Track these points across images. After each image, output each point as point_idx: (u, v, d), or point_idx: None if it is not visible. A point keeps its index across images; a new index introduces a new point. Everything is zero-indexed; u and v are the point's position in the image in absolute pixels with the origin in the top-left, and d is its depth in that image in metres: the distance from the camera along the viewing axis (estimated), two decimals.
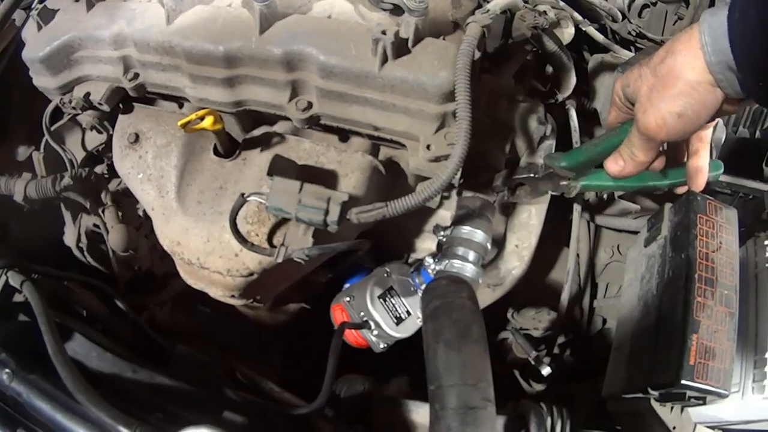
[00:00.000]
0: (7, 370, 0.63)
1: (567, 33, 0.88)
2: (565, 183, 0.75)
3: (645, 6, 1.25)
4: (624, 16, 1.05)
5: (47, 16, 0.84)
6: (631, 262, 0.85)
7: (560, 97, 0.88)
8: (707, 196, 0.75)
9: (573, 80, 0.86)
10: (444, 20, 0.69)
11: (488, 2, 0.72)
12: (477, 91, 0.75)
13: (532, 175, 0.76)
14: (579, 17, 0.95)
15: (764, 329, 0.74)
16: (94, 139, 0.92)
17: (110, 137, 0.89)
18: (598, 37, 0.98)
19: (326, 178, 0.72)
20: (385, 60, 0.65)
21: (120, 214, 0.90)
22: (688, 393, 0.68)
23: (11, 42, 0.96)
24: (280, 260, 0.72)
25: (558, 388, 0.85)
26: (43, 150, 0.90)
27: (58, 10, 0.84)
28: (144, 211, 0.92)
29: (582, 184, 0.76)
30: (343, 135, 0.76)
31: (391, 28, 0.65)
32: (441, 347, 0.58)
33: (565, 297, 0.84)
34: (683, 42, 0.53)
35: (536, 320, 0.89)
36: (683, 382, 0.65)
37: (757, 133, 1.00)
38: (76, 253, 0.95)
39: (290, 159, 0.74)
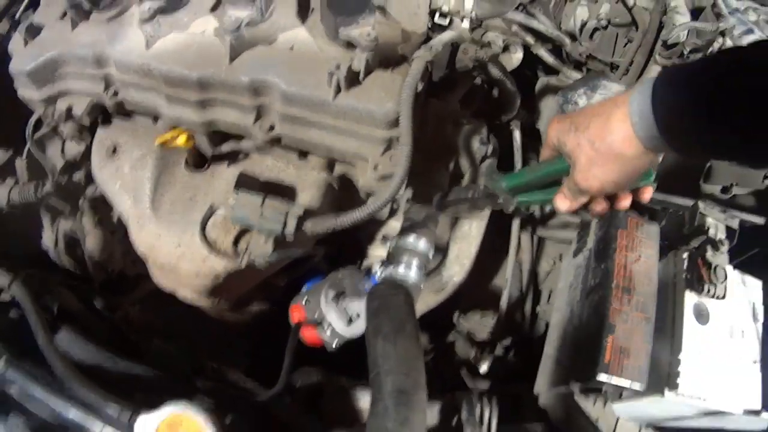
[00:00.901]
0: (1, 360, 0.72)
1: (515, 58, 0.99)
2: (501, 201, 0.86)
3: (596, 29, 1.36)
4: (575, 39, 1.16)
5: (33, 31, 0.92)
6: (563, 271, 0.96)
7: (505, 118, 0.99)
8: (630, 213, 0.86)
9: (517, 103, 0.97)
10: (393, 53, 0.79)
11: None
12: (423, 115, 0.86)
13: (470, 195, 0.86)
14: (531, 40, 1.06)
15: (679, 332, 0.84)
16: (73, 149, 1.00)
17: (89, 147, 0.98)
18: (548, 59, 1.09)
19: (286, 193, 0.82)
20: (338, 90, 0.75)
21: (96, 219, 0.98)
22: (604, 387, 0.78)
23: None
24: (243, 265, 0.82)
25: (503, 387, 0.96)
26: (25, 157, 0.98)
27: (43, 26, 0.93)
28: (118, 217, 1.01)
29: (518, 200, 0.87)
30: (302, 153, 0.86)
31: (345, 61, 0.75)
32: (379, 341, 0.68)
33: (504, 302, 0.94)
34: (617, 121, 0.62)
35: (481, 324, 1.00)
36: (599, 377, 0.76)
37: None
38: (53, 255, 1.04)
39: (254, 175, 0.84)
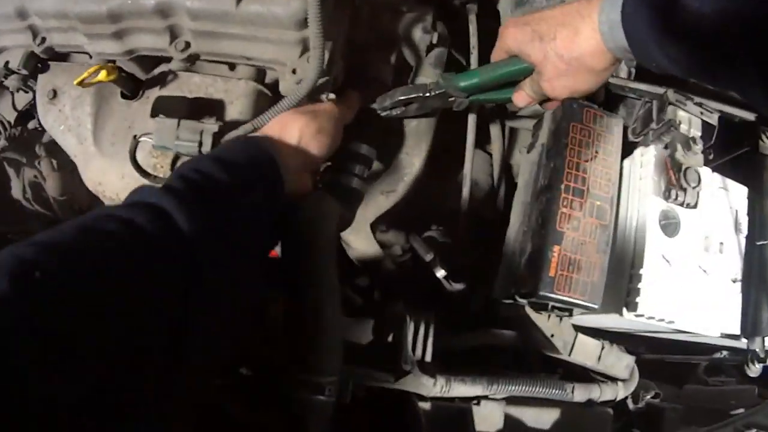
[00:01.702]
0: None
1: None
2: (452, 99, 0.80)
3: None
4: None
5: None
6: (521, 168, 0.88)
7: (458, 1, 0.91)
8: (587, 104, 0.77)
9: None
10: None
11: None
12: (353, 8, 0.80)
13: (420, 94, 0.80)
14: None
15: (641, 244, 0.75)
16: (23, 99, 1.02)
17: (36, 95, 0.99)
18: None
19: (214, 107, 0.80)
20: None
21: (54, 162, 1.00)
22: (551, 304, 0.73)
23: None
24: None
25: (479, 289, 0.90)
26: None
27: None
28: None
29: (470, 99, 0.80)
30: (231, 64, 0.83)
31: None
32: (292, 255, 0.66)
33: (465, 196, 0.88)
34: (586, 33, 0.63)
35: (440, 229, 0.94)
36: (541, 293, 0.69)
37: None
38: (24, 203, 1.07)
39: (176, 96, 0.81)
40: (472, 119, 0.90)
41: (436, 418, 0.65)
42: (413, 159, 0.90)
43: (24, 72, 0.93)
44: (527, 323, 0.79)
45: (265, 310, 0.74)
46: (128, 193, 0.83)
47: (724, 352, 1.00)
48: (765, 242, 0.80)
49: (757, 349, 0.77)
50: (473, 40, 0.94)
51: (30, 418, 0.33)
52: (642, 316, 0.72)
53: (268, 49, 0.75)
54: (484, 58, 0.86)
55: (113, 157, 0.88)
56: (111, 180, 0.89)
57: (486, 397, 0.72)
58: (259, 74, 0.85)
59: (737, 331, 0.79)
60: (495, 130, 0.98)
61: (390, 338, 0.74)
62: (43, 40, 0.89)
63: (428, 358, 0.71)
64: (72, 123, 0.93)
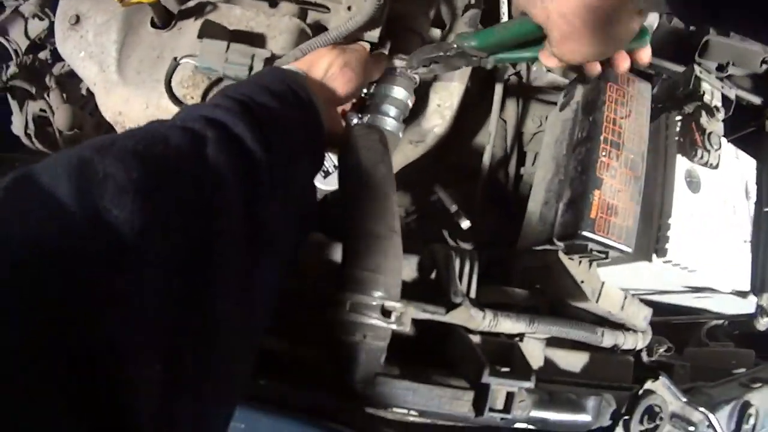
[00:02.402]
0: None
1: None
2: (476, 59, 0.82)
3: None
4: None
5: None
6: (549, 126, 0.92)
7: None
8: None
9: None
10: None
11: None
12: None
13: (442, 53, 0.81)
14: None
15: (669, 197, 0.82)
16: (36, 27, 0.98)
17: (52, 23, 0.95)
18: None
19: (255, 40, 0.79)
20: None
21: (64, 95, 0.96)
22: (590, 245, 0.76)
23: None
24: None
25: (487, 250, 0.92)
26: None
27: None
28: (87, 89, 0.98)
29: (496, 58, 0.83)
30: (272, 1, 0.83)
31: None
32: (349, 183, 0.66)
33: (486, 160, 0.91)
34: None
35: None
36: (583, 233, 0.72)
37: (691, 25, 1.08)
38: (24, 140, 1.01)
39: (221, 24, 0.80)
40: (499, 88, 0.93)
41: (487, 350, 0.66)
42: (444, 112, 0.92)
43: None
44: (557, 270, 0.81)
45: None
46: None
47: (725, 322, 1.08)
48: None
49: (765, 304, 0.83)
50: (504, 7, 0.97)
51: (110, 313, 0.31)
52: (670, 262, 0.77)
53: None
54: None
55: (138, 86, 0.86)
56: (134, 109, 0.86)
57: (526, 335, 0.74)
58: (302, 13, 0.85)
59: (747, 288, 0.85)
60: (511, 100, 1.03)
61: (433, 275, 0.74)
62: None
63: (473, 294, 0.72)
64: (94, 50, 0.89)
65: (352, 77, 0.72)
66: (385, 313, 0.59)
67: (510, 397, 0.62)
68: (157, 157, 0.41)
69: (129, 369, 0.31)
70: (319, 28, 0.83)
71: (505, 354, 0.70)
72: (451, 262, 0.71)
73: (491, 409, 0.63)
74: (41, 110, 0.99)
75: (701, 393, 0.88)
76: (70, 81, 0.98)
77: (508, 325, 0.71)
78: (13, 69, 0.94)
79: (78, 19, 0.91)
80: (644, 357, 0.91)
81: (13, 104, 1.01)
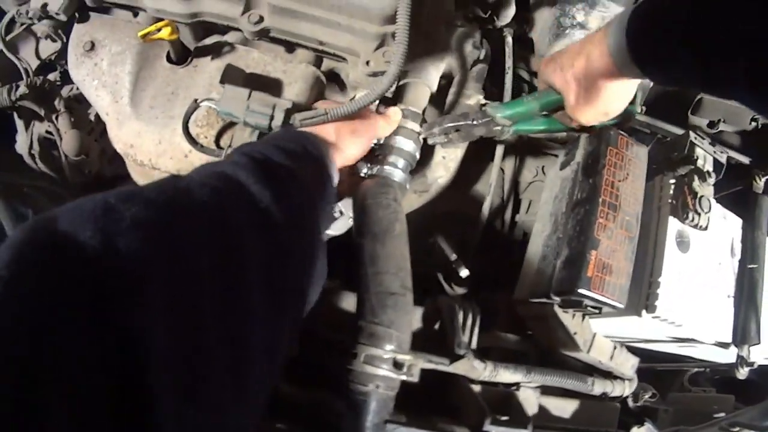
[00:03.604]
0: None
1: None
2: (498, 128, 0.88)
3: None
4: None
5: None
6: (549, 183, 0.99)
7: (498, 24, 1.00)
8: (621, 132, 0.89)
9: (511, 10, 0.98)
10: None
11: None
12: (417, 14, 0.87)
13: (468, 122, 0.87)
14: None
15: (660, 257, 0.88)
16: (48, 48, 0.99)
17: (65, 45, 0.96)
18: None
19: (272, 86, 0.83)
20: None
21: (72, 119, 0.98)
22: (585, 302, 0.82)
23: None
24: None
25: (481, 294, 0.99)
26: None
27: None
28: (95, 115, 1.00)
29: (514, 129, 0.89)
30: (290, 47, 0.87)
31: None
32: (367, 240, 0.71)
33: (486, 208, 0.97)
34: (598, 56, 0.69)
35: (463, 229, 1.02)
36: (580, 290, 0.78)
37: None
38: (28, 160, 1.03)
39: (240, 68, 0.84)
40: (500, 148, 1.00)
41: (487, 399, 0.71)
42: (449, 164, 0.97)
43: (62, 18, 0.90)
44: (552, 321, 0.87)
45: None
46: (163, 158, 0.86)
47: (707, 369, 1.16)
48: (755, 266, 0.94)
49: (745, 355, 0.91)
50: (509, 62, 1.03)
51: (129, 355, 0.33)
52: (658, 317, 0.83)
53: (346, 38, 0.81)
54: (515, 79, 0.96)
55: (151, 121, 0.89)
56: (146, 143, 0.88)
57: (522, 384, 0.80)
58: (317, 60, 0.89)
59: (729, 340, 0.93)
60: (509, 151, 1.09)
61: (437, 326, 0.79)
62: None
63: (474, 345, 0.78)
64: (108, 79, 0.92)
65: (359, 144, 0.77)
66: (397, 365, 0.64)
67: None
68: (182, 208, 0.45)
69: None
70: (332, 76, 0.88)
71: (503, 402, 0.76)
72: (455, 315, 0.77)
73: None
74: (47, 132, 1.01)
75: None
76: (78, 105, 0.99)
77: (507, 375, 0.77)
78: (22, 89, 0.95)
79: (93, 46, 0.93)
80: (630, 403, 0.97)
81: (19, 124, 1.03)
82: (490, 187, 1.01)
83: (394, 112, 0.85)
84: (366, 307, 0.67)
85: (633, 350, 1.02)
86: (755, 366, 0.94)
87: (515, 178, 1.14)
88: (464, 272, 0.95)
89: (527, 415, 0.73)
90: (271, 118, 0.77)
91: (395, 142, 0.85)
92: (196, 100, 0.81)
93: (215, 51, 0.89)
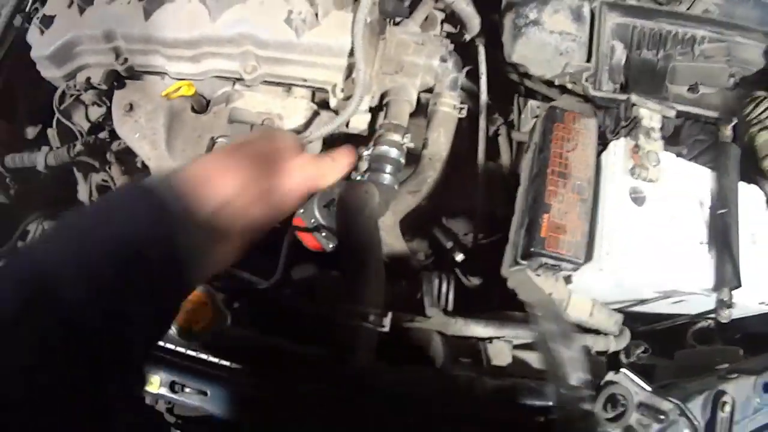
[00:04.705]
0: None
1: None
2: None
3: None
4: None
5: (46, 22, 1.33)
6: (522, 167, 1.28)
7: (468, 36, 1.32)
8: (568, 109, 1.17)
9: (476, 21, 1.30)
10: None
11: None
12: (380, 42, 1.21)
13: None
14: None
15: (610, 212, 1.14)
16: (95, 112, 1.43)
17: (109, 109, 1.38)
18: None
19: (275, 120, 1.20)
20: (302, 32, 1.12)
21: (122, 168, 1.40)
22: (544, 260, 1.09)
23: (12, 42, 1.48)
24: None
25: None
26: (55, 126, 1.42)
27: (55, 16, 1.33)
28: (142, 163, 1.41)
29: None
30: (287, 87, 1.24)
31: (304, 7, 1.11)
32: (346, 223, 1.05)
33: (479, 200, 1.28)
34: None
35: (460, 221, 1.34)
36: (534, 249, 1.06)
37: (660, 54, 1.41)
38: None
39: (246, 109, 1.22)
40: (482, 142, 1.31)
41: (457, 350, 1.03)
42: (435, 164, 1.29)
43: (103, 87, 1.32)
44: (527, 285, 1.16)
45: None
46: None
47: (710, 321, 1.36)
48: (724, 210, 1.14)
49: (725, 298, 1.09)
50: (482, 68, 1.35)
51: None
52: (614, 267, 1.09)
53: (322, 72, 1.18)
54: (491, 83, 1.28)
55: (184, 161, 1.25)
56: None
57: (497, 338, 1.10)
58: (312, 95, 1.26)
59: (710, 286, 1.13)
60: (503, 143, 1.40)
61: (419, 296, 1.12)
62: (125, 60, 1.29)
63: (449, 307, 1.10)
64: (147, 132, 1.32)
65: (273, 205, 0.69)
66: (366, 315, 0.96)
67: None
68: None
69: None
70: (326, 105, 1.23)
71: (472, 353, 1.07)
72: (431, 283, 1.09)
73: None
74: (103, 180, 1.44)
75: (676, 387, 1.14)
76: (126, 157, 1.41)
77: (478, 329, 1.08)
78: (79, 147, 1.37)
79: (131, 107, 1.34)
80: (622, 359, 1.22)
81: (79, 176, 1.46)
82: (479, 175, 1.33)
83: (341, 155, 0.86)
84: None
85: (631, 315, 1.26)
86: (734, 307, 1.13)
87: (513, 171, 1.43)
88: (459, 256, 1.27)
89: (499, 366, 1.02)
90: None
91: (382, 150, 1.19)
92: (212, 138, 1.20)
93: (228, 98, 1.28)
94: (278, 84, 1.24)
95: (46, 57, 1.32)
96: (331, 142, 1.21)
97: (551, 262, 1.10)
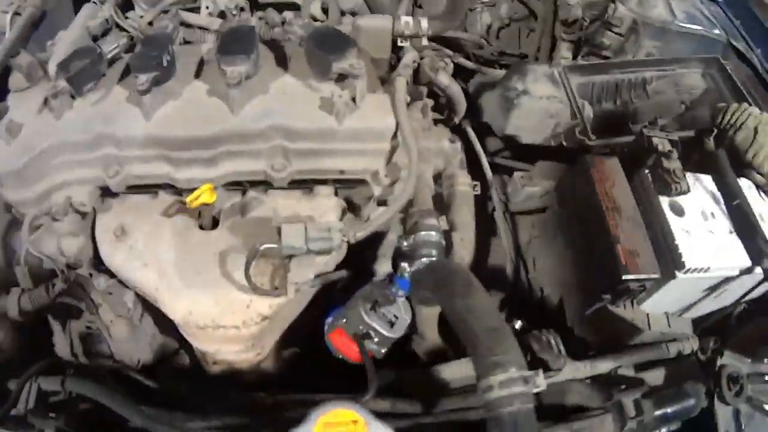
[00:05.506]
0: None
1: (449, 68, 1.47)
2: None
3: (501, 28, 1.97)
4: (486, 41, 1.72)
5: (15, 129, 1.15)
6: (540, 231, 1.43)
7: (456, 120, 1.47)
8: (594, 155, 1.35)
9: (462, 105, 1.46)
10: (372, 79, 1.21)
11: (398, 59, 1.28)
12: None
13: None
14: (449, 52, 1.57)
15: (668, 227, 1.28)
16: (71, 246, 1.20)
17: (89, 238, 1.20)
18: (469, 64, 1.63)
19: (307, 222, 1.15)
20: (343, 117, 1.14)
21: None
22: (630, 285, 1.21)
23: None
24: (292, 295, 1.13)
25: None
26: (24, 263, 1.19)
27: (23, 123, 1.16)
28: (132, 301, 1.24)
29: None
30: (305, 187, 1.23)
31: (338, 91, 1.14)
32: (457, 300, 1.04)
33: (509, 274, 1.38)
34: None
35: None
36: (624, 277, 1.19)
37: (618, 102, 1.67)
38: (70, 360, 1.23)
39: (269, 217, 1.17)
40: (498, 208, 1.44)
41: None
42: (467, 245, 1.36)
43: (87, 209, 1.16)
44: (609, 319, 1.26)
45: None
46: (225, 316, 1.12)
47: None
48: (738, 201, 1.34)
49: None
50: (477, 146, 1.54)
51: None
52: (690, 269, 1.22)
53: (362, 161, 1.20)
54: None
55: (203, 286, 1.15)
56: (204, 308, 1.15)
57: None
58: (335, 192, 1.26)
59: (749, 264, 1.28)
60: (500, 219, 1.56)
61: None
62: (117, 172, 1.14)
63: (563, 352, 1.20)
64: (149, 258, 1.18)
65: None
66: (526, 381, 0.94)
67: None
68: None
69: None
70: (349, 203, 1.26)
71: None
72: (542, 341, 1.14)
73: None
74: (87, 327, 1.23)
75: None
76: (111, 297, 1.23)
77: (603, 366, 1.20)
78: (60, 285, 1.16)
79: (123, 231, 1.19)
80: (701, 356, 1.36)
81: (55, 325, 1.22)
82: (506, 253, 1.43)
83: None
84: (480, 348, 0.97)
85: None
86: None
87: (516, 243, 1.57)
88: (518, 324, 1.31)
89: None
90: (332, 239, 1.09)
91: (422, 236, 1.20)
92: (254, 247, 1.11)
93: (242, 209, 1.22)
94: (301, 182, 1.21)
95: (15, 173, 1.14)
96: None
97: (636, 286, 1.22)
